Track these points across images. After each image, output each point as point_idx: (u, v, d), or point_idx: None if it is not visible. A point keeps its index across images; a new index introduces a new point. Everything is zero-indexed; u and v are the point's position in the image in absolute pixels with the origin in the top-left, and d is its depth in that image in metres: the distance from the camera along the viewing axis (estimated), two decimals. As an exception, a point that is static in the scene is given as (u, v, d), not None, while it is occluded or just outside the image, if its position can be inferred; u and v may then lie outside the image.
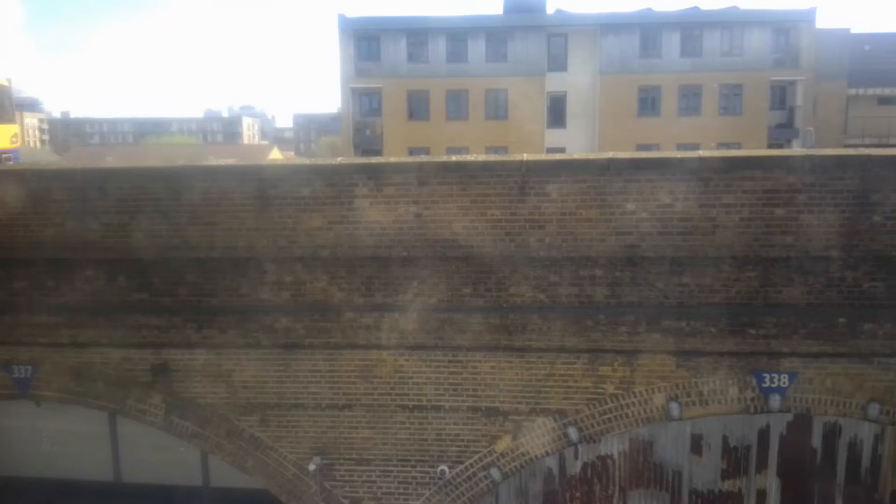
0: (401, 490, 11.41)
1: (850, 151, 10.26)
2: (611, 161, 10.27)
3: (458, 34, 46.08)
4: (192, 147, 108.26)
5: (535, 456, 11.11)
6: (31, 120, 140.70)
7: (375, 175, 10.62)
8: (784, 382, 10.44)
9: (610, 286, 10.52)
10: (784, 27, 45.93)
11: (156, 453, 12.48)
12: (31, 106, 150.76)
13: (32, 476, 12.91)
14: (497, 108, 46.12)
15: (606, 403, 10.81)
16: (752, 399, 10.57)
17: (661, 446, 11.31)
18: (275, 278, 11.04)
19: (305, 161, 11.48)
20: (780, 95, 47.33)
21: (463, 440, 11.18)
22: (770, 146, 43.50)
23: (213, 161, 11.39)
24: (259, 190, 10.83)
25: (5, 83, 31.77)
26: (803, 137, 15.21)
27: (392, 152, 43.82)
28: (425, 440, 11.25)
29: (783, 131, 46.51)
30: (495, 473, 11.17)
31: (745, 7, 47.46)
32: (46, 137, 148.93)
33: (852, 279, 10.15)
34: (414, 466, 11.33)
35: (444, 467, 11.21)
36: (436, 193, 10.55)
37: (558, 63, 46.53)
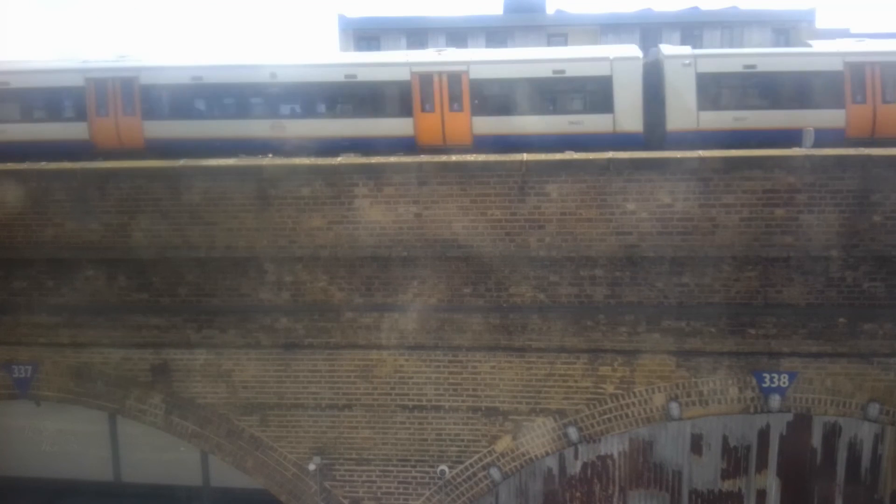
0: (401, 490, 11.41)
1: (850, 151, 10.26)
2: (611, 161, 10.27)
3: (458, 34, 46.00)
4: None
5: (535, 456, 11.11)
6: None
7: (375, 175, 10.62)
8: (784, 382, 10.44)
9: (610, 286, 10.52)
10: (784, 27, 45.86)
11: (156, 453, 12.49)
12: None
13: (32, 476, 12.92)
14: (497, 108, 46.02)
15: (606, 403, 10.81)
16: (752, 399, 10.57)
17: (661, 446, 11.31)
18: (275, 278, 11.04)
19: (305, 161, 11.47)
20: (781, 95, 47.19)
21: (463, 440, 11.18)
22: (770, 146, 43.37)
23: (213, 161, 11.38)
24: (259, 190, 10.83)
25: None
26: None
27: (392, 152, 43.70)
28: (425, 440, 11.25)
29: (783, 131, 46.38)
30: (495, 473, 11.16)
31: (745, 7, 47.39)
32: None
33: (852, 279, 10.15)
34: (414, 466, 11.33)
35: (444, 467, 11.20)
36: (436, 193, 10.55)
37: (558, 63, 46.44)
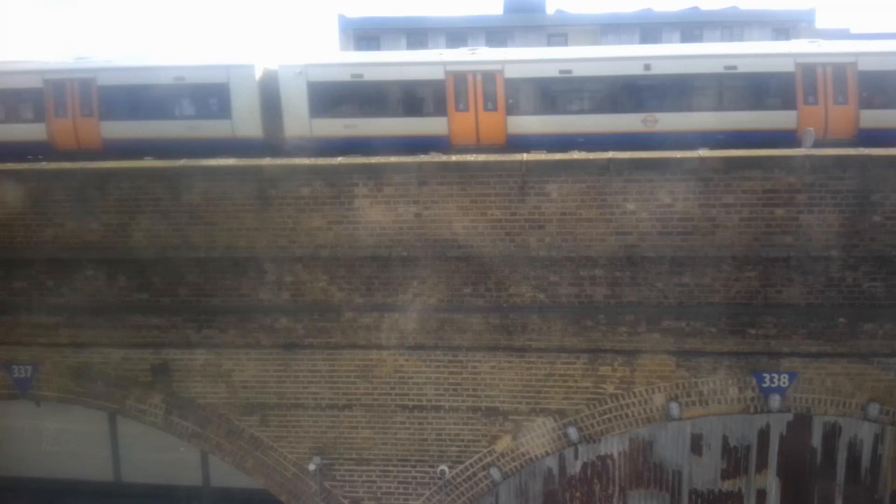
0: (401, 490, 11.41)
1: (850, 151, 10.27)
2: (611, 161, 10.27)
3: (458, 34, 46.01)
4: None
5: (535, 456, 11.11)
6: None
7: (375, 175, 10.62)
8: (784, 382, 10.44)
9: (610, 286, 10.52)
10: (784, 27, 45.85)
11: (156, 453, 12.49)
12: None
13: (32, 476, 12.92)
14: (497, 108, 46.00)
15: (606, 403, 10.81)
16: (752, 399, 10.57)
17: (661, 446, 11.31)
18: (275, 278, 11.04)
19: (305, 161, 11.47)
20: (781, 95, 47.22)
21: (463, 440, 11.18)
22: (770, 146, 43.40)
23: (213, 160, 11.38)
24: (259, 190, 10.83)
25: None
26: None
27: (392, 152, 43.70)
28: (425, 440, 11.25)
29: (783, 131, 46.41)
30: (495, 473, 11.16)
31: (744, 7, 47.43)
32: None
33: (852, 279, 10.15)
34: (414, 466, 11.33)
35: (444, 467, 11.20)
36: (436, 193, 10.55)
37: (559, 63, 46.44)
